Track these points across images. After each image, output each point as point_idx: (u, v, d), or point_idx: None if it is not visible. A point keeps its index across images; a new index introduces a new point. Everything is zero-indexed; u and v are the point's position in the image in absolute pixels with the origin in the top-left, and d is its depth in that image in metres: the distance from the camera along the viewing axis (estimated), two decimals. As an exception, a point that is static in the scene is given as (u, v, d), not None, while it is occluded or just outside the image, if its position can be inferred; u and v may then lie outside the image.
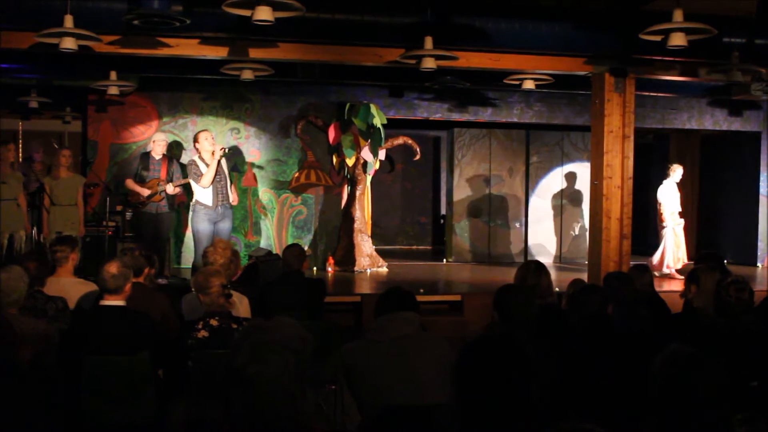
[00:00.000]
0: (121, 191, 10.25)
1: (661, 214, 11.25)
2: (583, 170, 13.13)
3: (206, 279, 4.75)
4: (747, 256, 13.20)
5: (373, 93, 11.85)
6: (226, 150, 9.33)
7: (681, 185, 14.53)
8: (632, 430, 2.95)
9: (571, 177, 13.56)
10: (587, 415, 3.03)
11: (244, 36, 7.73)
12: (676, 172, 11.30)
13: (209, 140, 9.12)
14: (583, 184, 13.15)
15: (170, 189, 9.51)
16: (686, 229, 12.55)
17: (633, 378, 3.67)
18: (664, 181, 11.31)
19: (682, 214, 11.45)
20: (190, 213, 9.35)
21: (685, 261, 11.20)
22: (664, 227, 11.25)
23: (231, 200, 9.21)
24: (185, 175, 9.66)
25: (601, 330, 4.41)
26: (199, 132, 9.36)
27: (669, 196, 11.22)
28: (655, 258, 11.24)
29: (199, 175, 8.99)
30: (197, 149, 9.19)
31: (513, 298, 4.27)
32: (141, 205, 9.58)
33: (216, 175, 9.03)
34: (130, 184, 9.65)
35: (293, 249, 6.61)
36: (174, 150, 11.04)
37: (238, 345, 2.29)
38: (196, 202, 9.11)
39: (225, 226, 9.17)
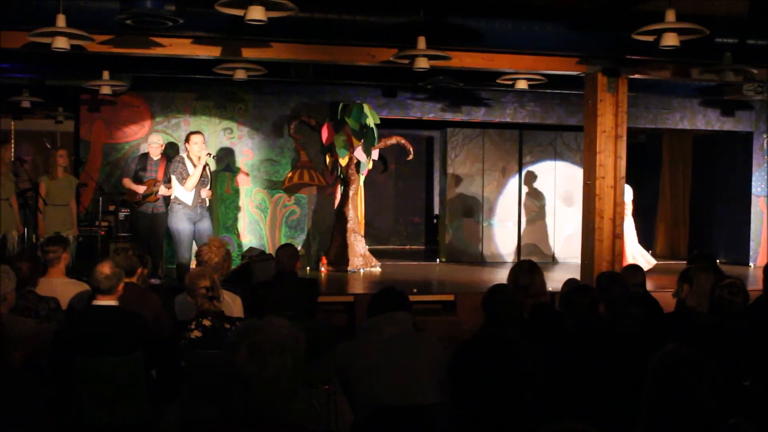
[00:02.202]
0: (119, 190, 10.26)
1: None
2: (575, 170, 13.16)
3: (192, 281, 4.74)
4: (739, 255, 13.25)
5: (366, 93, 11.85)
6: (212, 155, 9.31)
7: (672, 185, 14.59)
8: (625, 430, 2.95)
9: (563, 177, 13.58)
10: (580, 415, 3.04)
11: (237, 36, 7.72)
12: None
13: (199, 144, 9.06)
14: (576, 184, 13.18)
15: (163, 190, 9.51)
16: (680, 228, 12.65)
17: (626, 377, 3.67)
18: None
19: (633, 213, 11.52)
20: (169, 212, 9.15)
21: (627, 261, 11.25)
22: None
23: (204, 195, 9.13)
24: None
25: (592, 330, 4.41)
26: (191, 133, 9.28)
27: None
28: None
29: (184, 176, 8.97)
30: (187, 149, 9.16)
31: (501, 298, 4.28)
32: (137, 205, 9.61)
33: (201, 176, 9.04)
34: (128, 183, 9.70)
35: (286, 249, 6.60)
36: (169, 150, 11.00)
37: (235, 345, 2.29)
38: (176, 199, 9.03)
39: (205, 226, 9.12)
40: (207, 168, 9.19)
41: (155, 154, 9.70)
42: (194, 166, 8.98)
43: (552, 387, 3.82)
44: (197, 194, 9.05)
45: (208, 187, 9.16)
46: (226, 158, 11.50)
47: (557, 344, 4.27)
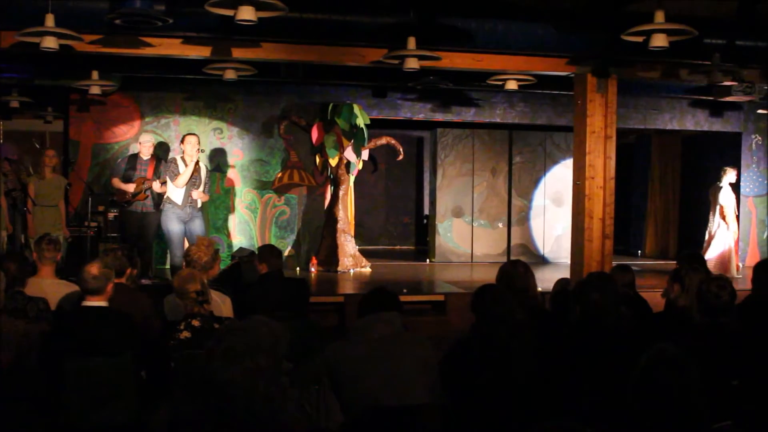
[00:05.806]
0: (108, 190, 10.23)
1: (725, 216, 11.46)
2: (565, 170, 13.19)
3: (181, 285, 4.73)
4: (728, 255, 13.28)
5: (357, 93, 11.85)
6: (202, 150, 9.36)
7: (662, 185, 14.60)
8: (615, 428, 2.96)
9: (553, 177, 13.61)
10: (572, 413, 3.05)
11: (226, 36, 7.70)
12: (728, 174, 11.47)
13: (192, 144, 9.15)
14: (566, 185, 13.21)
15: (157, 186, 9.50)
16: (669, 228, 12.62)
17: (615, 377, 3.68)
18: (722, 184, 11.49)
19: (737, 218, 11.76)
20: (162, 212, 9.35)
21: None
22: (725, 229, 11.49)
23: (195, 196, 9.20)
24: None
25: (598, 327, 4.41)
26: (186, 134, 9.40)
27: (729, 198, 11.47)
28: (715, 258, 11.39)
29: (176, 174, 9.07)
30: (182, 150, 9.23)
31: (490, 298, 4.27)
32: (126, 204, 9.59)
33: (192, 177, 9.10)
34: (117, 182, 9.69)
35: (266, 249, 6.58)
36: (159, 150, 10.98)
37: (210, 351, 2.29)
38: (167, 199, 9.20)
39: (195, 226, 9.22)
40: (200, 171, 9.25)
41: (146, 153, 9.69)
42: (186, 165, 9.06)
43: (547, 386, 3.83)
44: (187, 194, 9.12)
45: (201, 189, 9.22)
46: (215, 158, 11.48)
47: (556, 343, 4.26)
